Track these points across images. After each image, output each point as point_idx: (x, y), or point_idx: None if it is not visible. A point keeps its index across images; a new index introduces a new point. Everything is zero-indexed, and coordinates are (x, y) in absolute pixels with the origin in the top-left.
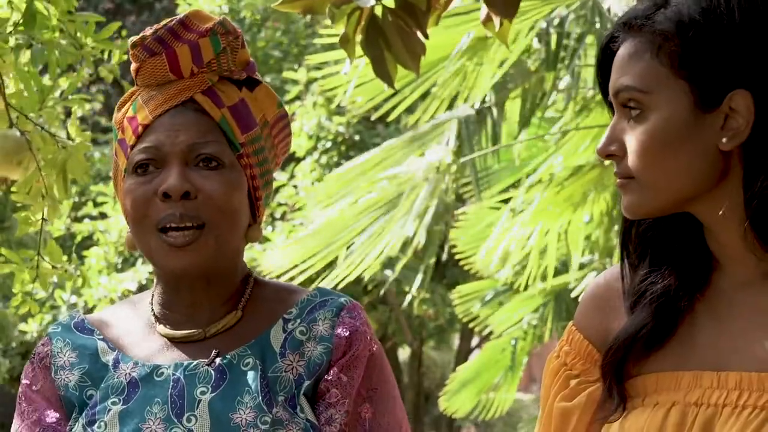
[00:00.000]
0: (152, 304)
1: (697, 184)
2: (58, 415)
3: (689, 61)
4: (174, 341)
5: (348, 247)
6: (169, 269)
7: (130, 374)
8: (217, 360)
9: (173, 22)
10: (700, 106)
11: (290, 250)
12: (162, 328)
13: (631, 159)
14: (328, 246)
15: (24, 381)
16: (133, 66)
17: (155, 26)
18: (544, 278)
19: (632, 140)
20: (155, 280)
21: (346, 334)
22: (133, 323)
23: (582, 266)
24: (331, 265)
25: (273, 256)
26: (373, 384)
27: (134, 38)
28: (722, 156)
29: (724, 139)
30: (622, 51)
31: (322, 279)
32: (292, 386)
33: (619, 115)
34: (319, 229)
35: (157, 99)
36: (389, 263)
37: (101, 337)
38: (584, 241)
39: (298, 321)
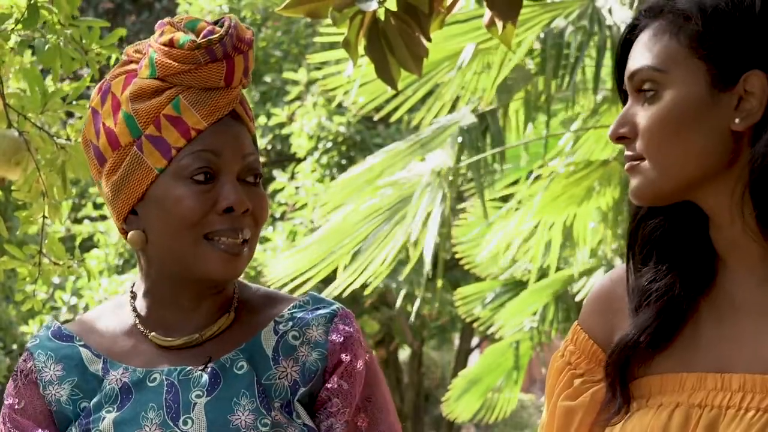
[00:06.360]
0: (136, 310)
1: (707, 166)
2: None
3: (708, 40)
4: (169, 348)
5: (353, 254)
6: (215, 276)
7: (121, 380)
8: (210, 364)
9: (231, 27)
10: (716, 85)
11: (295, 258)
12: (155, 336)
13: (643, 139)
14: (333, 253)
15: (7, 401)
16: (181, 66)
17: (211, 28)
18: (546, 275)
19: (645, 120)
20: (143, 285)
21: (341, 340)
22: (117, 329)
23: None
24: (336, 272)
25: (277, 265)
26: (367, 393)
27: (197, 39)
28: (733, 139)
29: (737, 120)
30: (642, 35)
31: (328, 286)
32: (287, 392)
33: (633, 100)
34: (324, 237)
35: (208, 104)
36: (394, 268)
37: (82, 343)
38: (590, 234)
39: (290, 324)
